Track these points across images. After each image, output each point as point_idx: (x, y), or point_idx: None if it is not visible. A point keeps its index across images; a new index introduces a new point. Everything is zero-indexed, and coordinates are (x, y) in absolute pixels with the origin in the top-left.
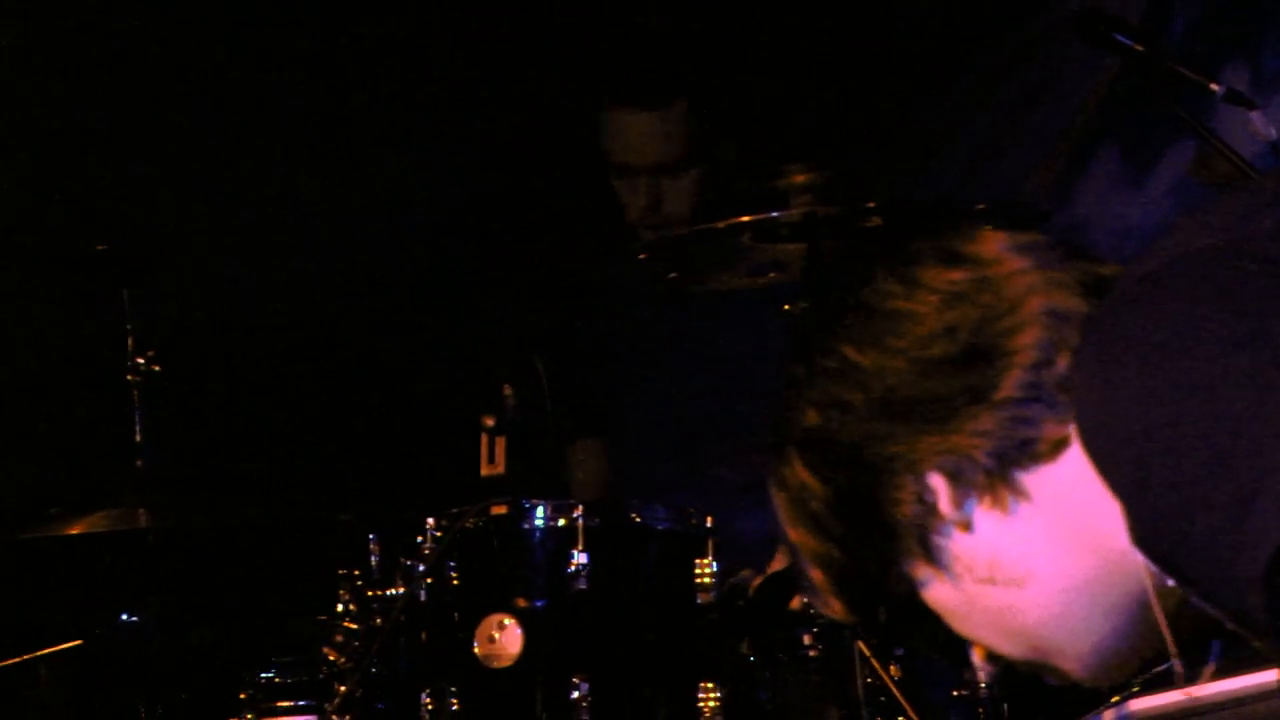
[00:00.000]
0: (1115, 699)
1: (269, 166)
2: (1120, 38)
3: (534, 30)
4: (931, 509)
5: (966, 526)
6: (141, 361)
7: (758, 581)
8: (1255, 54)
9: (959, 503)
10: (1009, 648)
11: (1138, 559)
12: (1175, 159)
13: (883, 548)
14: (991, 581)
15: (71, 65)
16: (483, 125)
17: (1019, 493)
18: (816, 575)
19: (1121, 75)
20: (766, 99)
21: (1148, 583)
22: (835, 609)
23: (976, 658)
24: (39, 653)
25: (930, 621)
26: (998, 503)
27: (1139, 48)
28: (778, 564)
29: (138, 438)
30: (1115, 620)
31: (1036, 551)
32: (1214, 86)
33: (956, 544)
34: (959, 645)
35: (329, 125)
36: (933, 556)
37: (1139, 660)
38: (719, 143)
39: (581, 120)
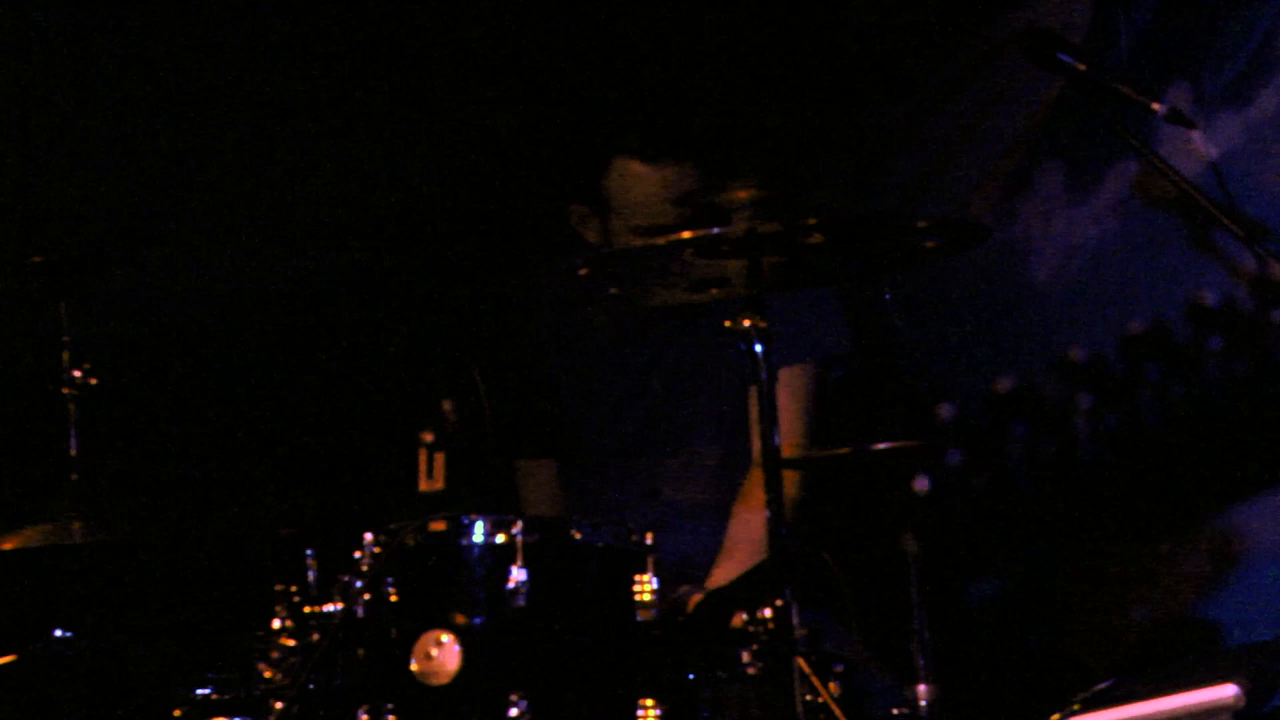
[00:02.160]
0: (1055, 716)
1: (207, 178)
2: (1063, 56)
3: (497, 49)
4: None
5: None
6: (78, 374)
7: (696, 599)
8: (1197, 75)
9: None
10: None
11: None
12: (1118, 177)
13: None
14: None
15: (10, 73)
16: (429, 140)
17: None
18: None
19: (1065, 92)
20: (708, 114)
21: None
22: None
23: None
24: None
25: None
26: None
27: (1081, 67)
28: (716, 580)
29: (73, 451)
30: None
31: None
32: (1155, 106)
33: None
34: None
35: (267, 136)
36: None
37: None
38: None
39: (530, 137)
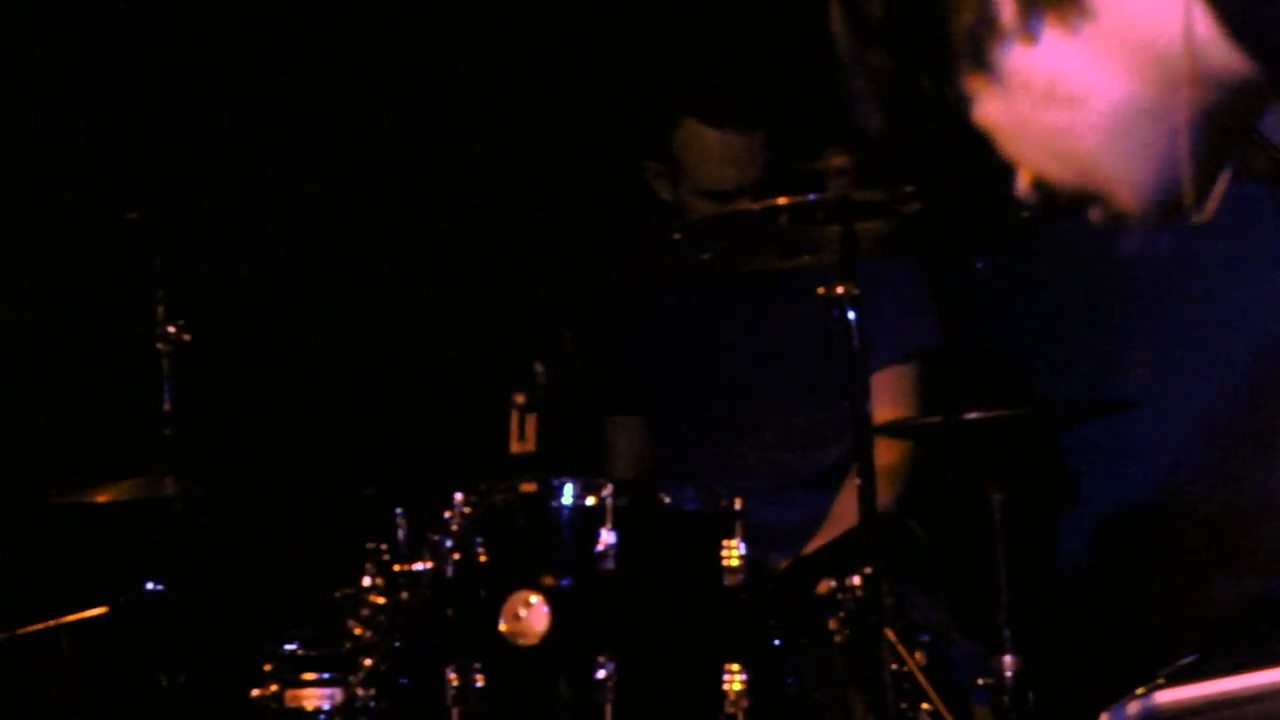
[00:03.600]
0: (1140, 690)
1: (303, 135)
2: None
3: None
4: (993, 21)
5: (1029, 39)
6: (172, 330)
7: (784, 565)
8: None
9: (1025, 15)
10: (1059, 173)
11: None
12: None
13: (937, 57)
14: (1049, 100)
15: (108, 33)
16: (525, 101)
17: (1084, 12)
18: (864, 85)
19: None
20: (802, 81)
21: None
22: (875, 122)
23: (1022, 183)
24: (61, 620)
25: (976, 144)
26: (1063, 19)
27: None
28: (807, 549)
29: (166, 406)
30: (1169, 147)
31: (1098, 70)
32: None
33: (1016, 58)
34: (1004, 172)
35: (367, 92)
36: (990, 69)
37: (1187, 198)
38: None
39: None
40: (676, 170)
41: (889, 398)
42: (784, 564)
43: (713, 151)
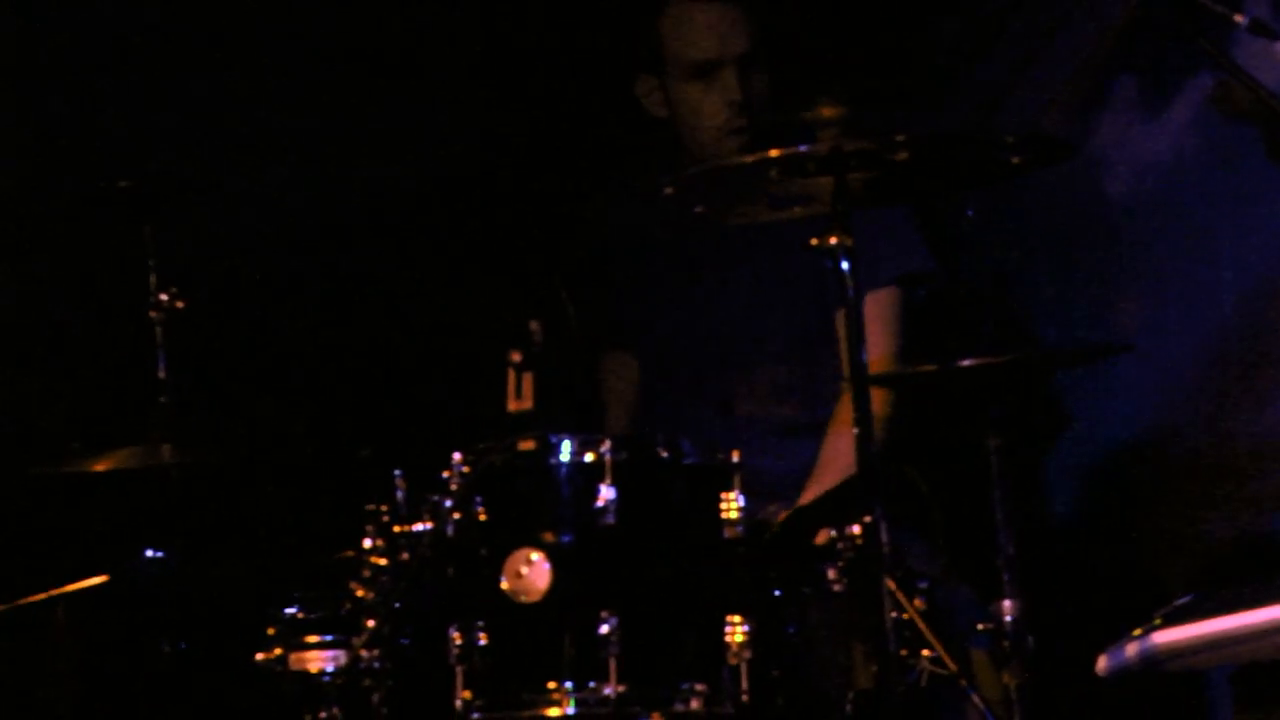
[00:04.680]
0: (1137, 631)
1: (292, 100)
2: None
3: None
4: None
5: None
6: (164, 298)
7: (783, 516)
8: None
9: None
10: None
11: None
12: (1194, 90)
13: None
14: None
15: (95, 6)
16: (509, 57)
17: None
18: None
19: (1143, 5)
20: (789, 31)
21: None
22: None
23: None
24: (61, 590)
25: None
26: None
27: None
28: (807, 500)
29: (161, 374)
30: None
31: None
32: (1238, 18)
33: None
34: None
35: (352, 57)
36: None
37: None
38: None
39: (610, 49)
40: (664, 68)
41: (874, 320)
42: (782, 514)
43: (698, 24)
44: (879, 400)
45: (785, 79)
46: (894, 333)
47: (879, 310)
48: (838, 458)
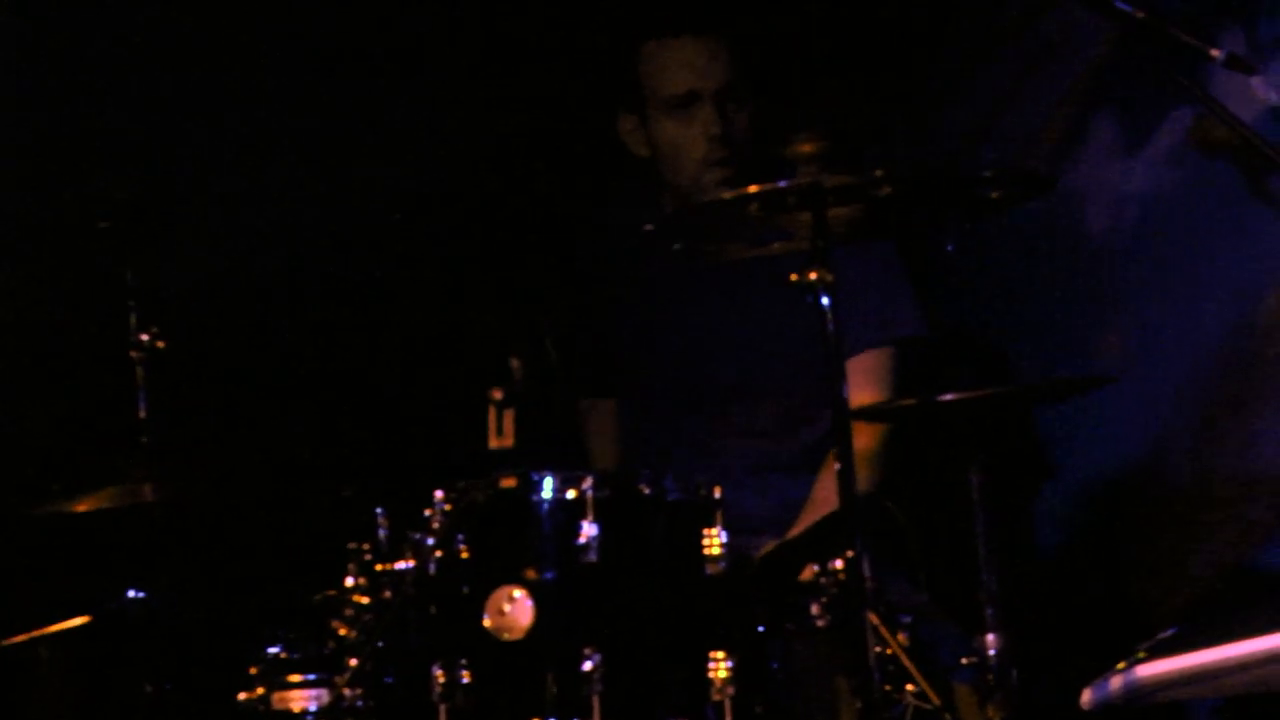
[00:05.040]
0: (1121, 664)
1: (268, 142)
2: (1120, 4)
3: None
4: None
5: None
6: (145, 338)
7: (766, 550)
8: (1251, 20)
9: None
10: None
11: None
12: (1173, 126)
13: None
14: None
15: (73, 44)
16: (490, 92)
17: None
18: None
19: (1120, 41)
20: (771, 68)
21: None
22: None
23: None
24: (43, 631)
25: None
26: None
27: (1139, 14)
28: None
29: (142, 414)
30: None
31: None
32: (1214, 52)
33: None
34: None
35: (326, 98)
36: None
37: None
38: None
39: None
40: (644, 106)
41: (867, 382)
42: (764, 550)
43: (674, 59)
44: (872, 438)
45: (766, 112)
46: (884, 391)
47: (871, 371)
48: (830, 496)
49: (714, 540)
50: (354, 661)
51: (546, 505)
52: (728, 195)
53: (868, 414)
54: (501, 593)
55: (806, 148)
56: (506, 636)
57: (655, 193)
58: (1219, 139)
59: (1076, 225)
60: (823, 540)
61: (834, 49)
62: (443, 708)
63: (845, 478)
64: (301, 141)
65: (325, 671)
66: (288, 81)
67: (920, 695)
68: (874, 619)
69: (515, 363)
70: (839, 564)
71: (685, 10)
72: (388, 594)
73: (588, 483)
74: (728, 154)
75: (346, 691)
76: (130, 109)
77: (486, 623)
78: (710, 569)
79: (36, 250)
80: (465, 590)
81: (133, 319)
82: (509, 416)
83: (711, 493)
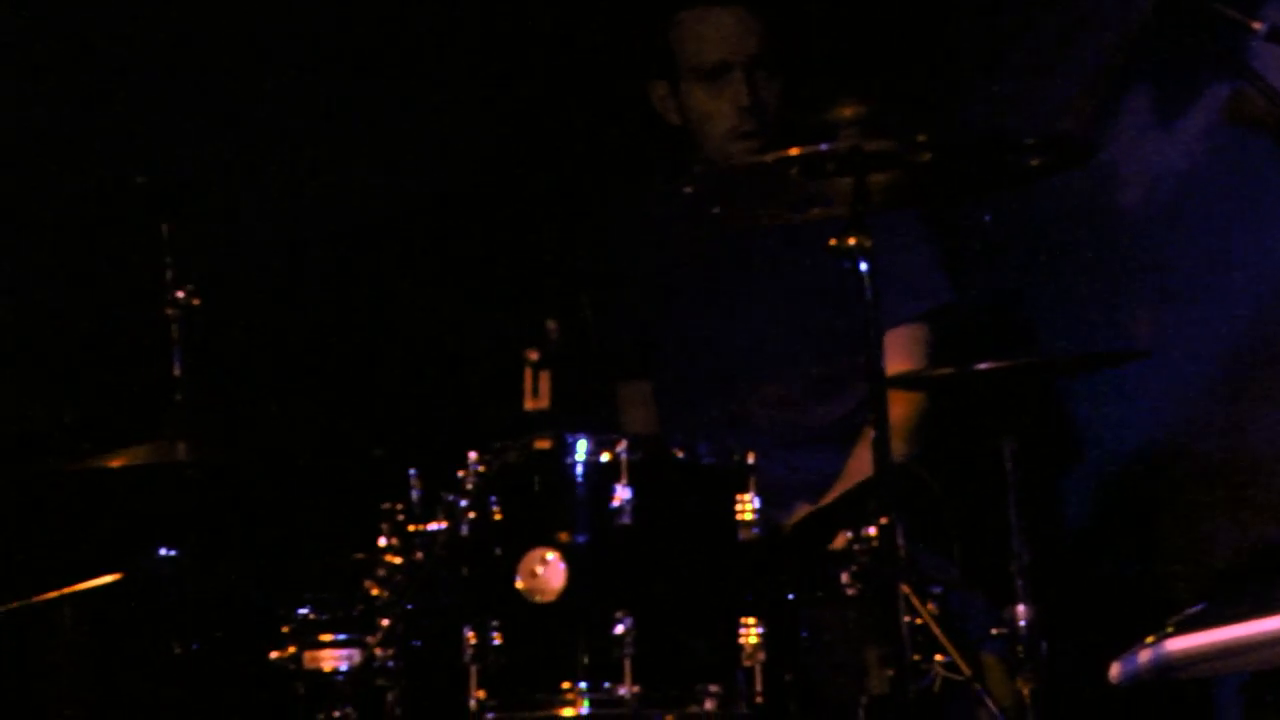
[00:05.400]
0: (1150, 638)
1: (309, 99)
2: None
3: None
4: None
5: None
6: (180, 295)
7: (797, 517)
8: None
9: None
10: None
11: None
12: (1209, 99)
13: None
14: None
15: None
16: (528, 62)
17: None
18: None
19: (1157, 13)
20: (810, 31)
21: None
22: None
23: None
24: (75, 588)
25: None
26: None
27: None
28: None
29: (176, 372)
30: None
31: None
32: (1256, 25)
33: None
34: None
35: (368, 60)
36: None
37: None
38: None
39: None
40: (676, 74)
41: (907, 355)
42: (795, 518)
43: (708, 28)
44: (908, 408)
45: (801, 81)
46: (919, 364)
47: (906, 346)
48: (864, 467)
49: (747, 506)
50: (386, 622)
51: (581, 467)
52: (768, 158)
53: (902, 382)
54: (534, 555)
55: (847, 111)
56: (538, 599)
57: (688, 163)
58: (1256, 113)
59: (1111, 198)
60: (856, 508)
61: (871, 19)
62: (474, 669)
63: (880, 445)
64: (343, 106)
65: (357, 632)
66: (323, 53)
67: (950, 665)
68: (905, 589)
69: (551, 324)
70: (872, 531)
71: None
72: (420, 555)
73: (622, 446)
74: (756, 126)
75: (378, 652)
76: (165, 70)
77: (519, 585)
78: (743, 534)
79: (73, 206)
80: (498, 552)
81: (168, 275)
82: (545, 378)
83: (745, 458)
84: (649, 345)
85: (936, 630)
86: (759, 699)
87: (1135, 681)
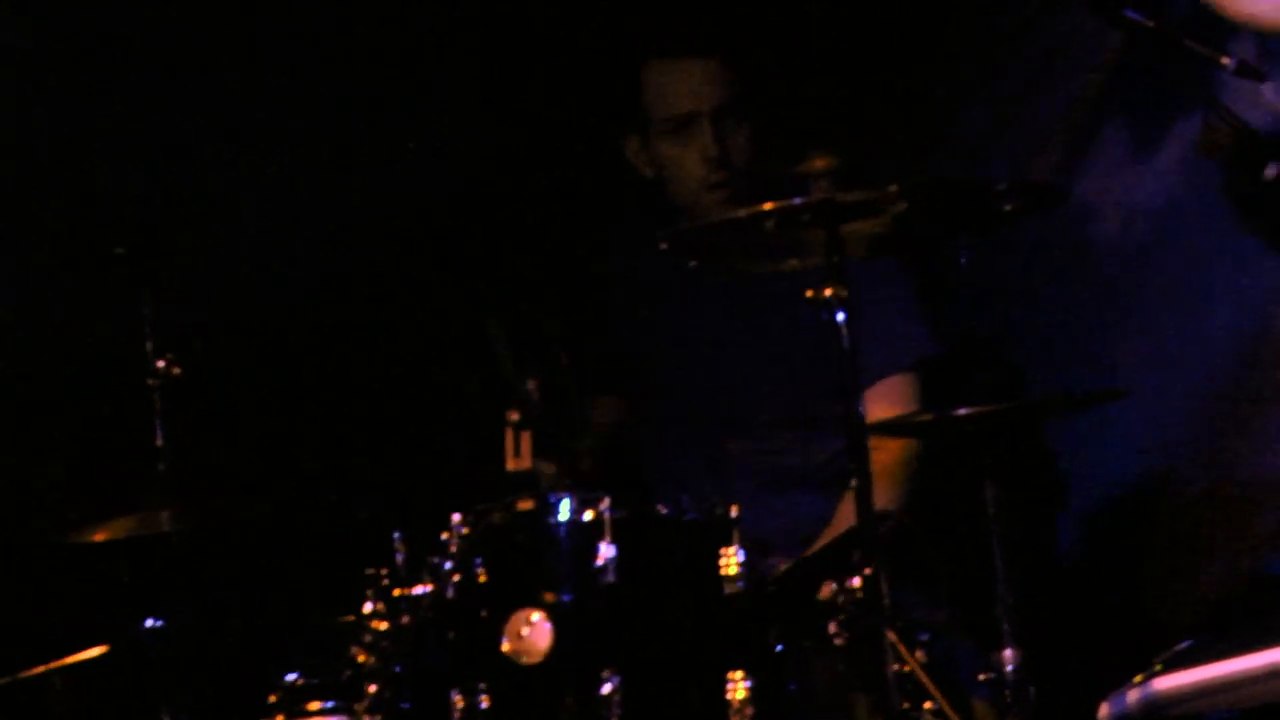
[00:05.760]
0: (1138, 678)
1: (284, 165)
2: (1130, 12)
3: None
4: None
5: None
6: (161, 364)
7: (781, 568)
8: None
9: None
10: None
11: None
12: (1182, 134)
13: None
14: None
15: (83, 68)
16: (496, 113)
17: None
18: None
19: (1129, 50)
20: (780, 84)
21: None
22: None
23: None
24: (61, 662)
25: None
26: None
27: (1149, 23)
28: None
29: (159, 441)
30: None
31: None
32: (1225, 60)
33: None
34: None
35: (340, 123)
36: None
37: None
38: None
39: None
40: (647, 127)
41: (892, 407)
42: (781, 566)
43: (671, 82)
44: (893, 455)
45: (770, 132)
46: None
47: (892, 397)
48: (850, 515)
49: (731, 560)
50: (373, 687)
51: (564, 527)
52: (743, 213)
53: (883, 429)
54: (520, 616)
55: (819, 164)
56: (525, 660)
57: (667, 210)
58: (1226, 147)
59: (1087, 235)
60: (840, 557)
61: (839, 64)
62: None
63: (862, 494)
64: (314, 168)
65: (344, 698)
66: (296, 109)
67: (939, 712)
68: (892, 636)
69: (531, 384)
70: (856, 581)
71: (686, 32)
72: (406, 619)
73: (605, 504)
74: (726, 176)
75: (366, 718)
76: (133, 115)
77: (505, 646)
78: (728, 588)
79: (53, 275)
80: (483, 614)
81: (149, 346)
82: (526, 438)
83: (728, 512)
84: (624, 378)
85: (924, 677)
86: None
87: None
